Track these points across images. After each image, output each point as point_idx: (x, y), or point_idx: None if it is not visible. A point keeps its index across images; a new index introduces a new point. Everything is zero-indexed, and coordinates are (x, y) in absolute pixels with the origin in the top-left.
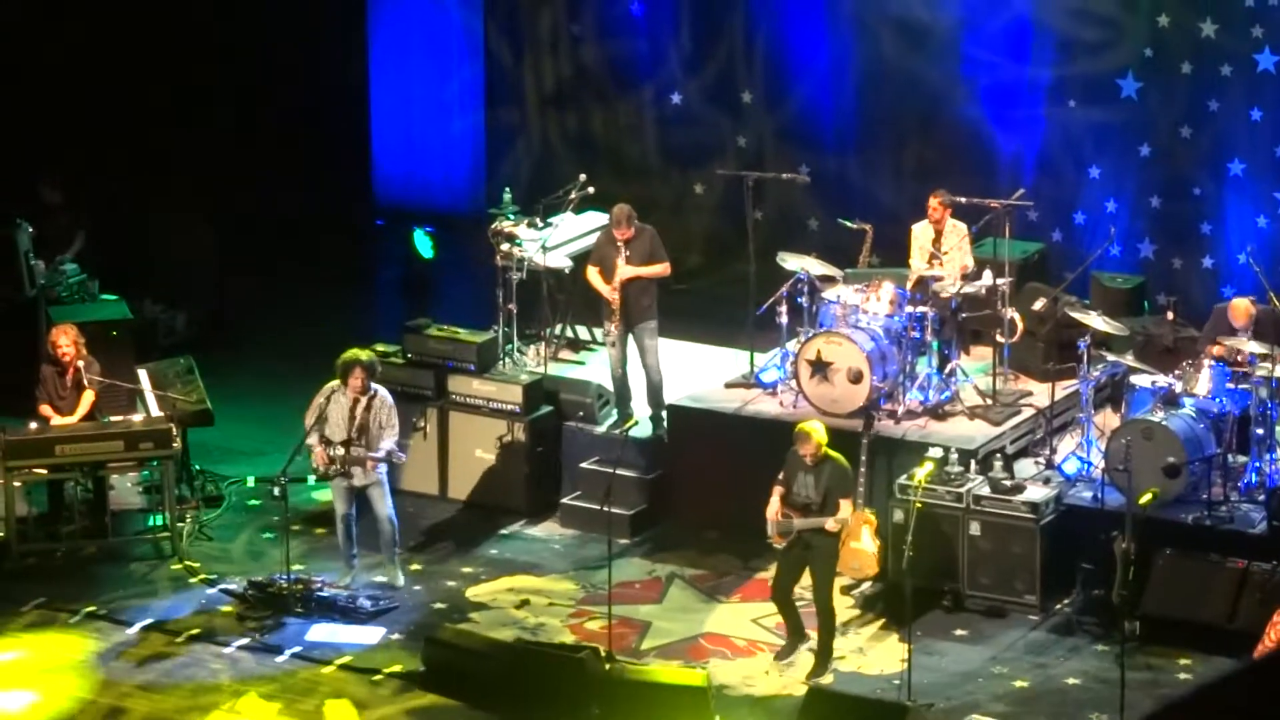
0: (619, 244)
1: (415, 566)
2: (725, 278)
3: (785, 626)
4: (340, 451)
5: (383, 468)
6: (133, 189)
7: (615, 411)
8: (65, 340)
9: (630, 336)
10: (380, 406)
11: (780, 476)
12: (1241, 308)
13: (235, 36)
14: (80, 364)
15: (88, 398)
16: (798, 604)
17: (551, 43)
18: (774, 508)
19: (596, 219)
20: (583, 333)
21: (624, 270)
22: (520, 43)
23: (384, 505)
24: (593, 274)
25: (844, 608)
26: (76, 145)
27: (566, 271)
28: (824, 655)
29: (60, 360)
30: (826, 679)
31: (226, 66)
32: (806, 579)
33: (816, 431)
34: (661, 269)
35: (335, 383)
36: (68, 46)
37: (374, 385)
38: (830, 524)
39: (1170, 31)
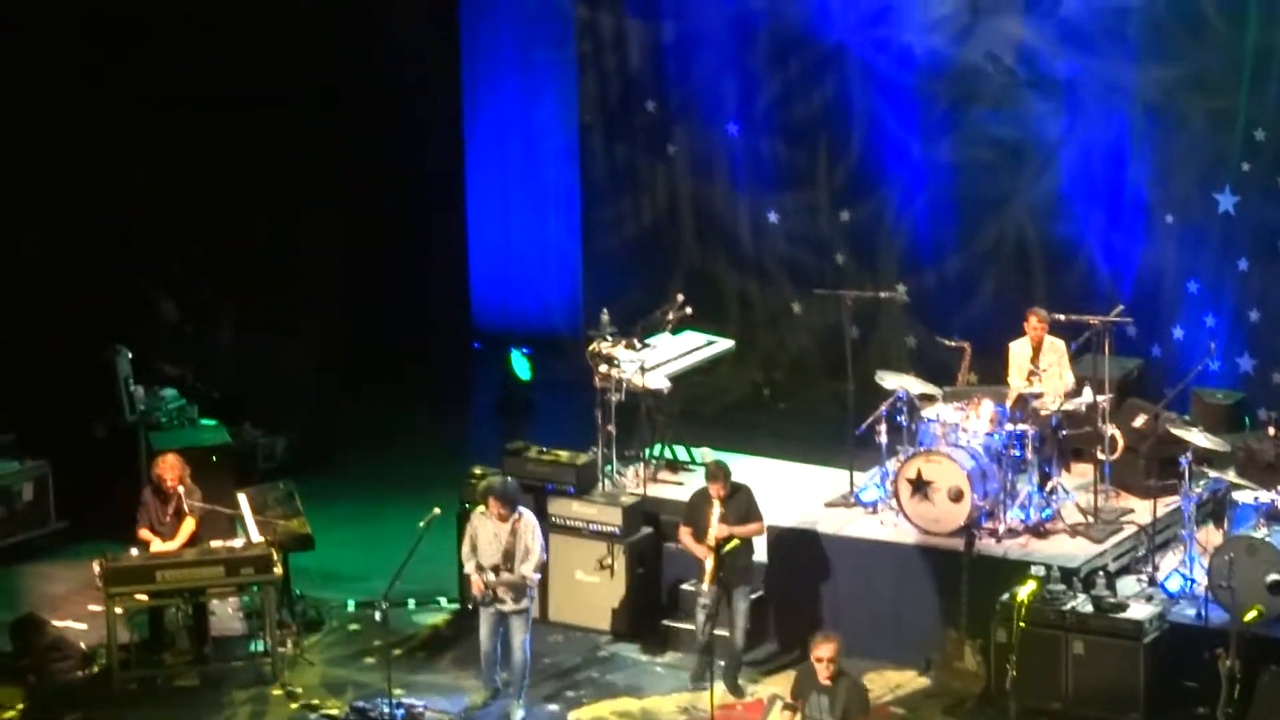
0: (714, 500)
1: None
2: (824, 396)
3: None
4: (492, 577)
5: (530, 598)
6: (230, 313)
7: (694, 670)
8: (171, 475)
9: (728, 599)
10: (524, 530)
11: (790, 696)
12: None
13: (336, 156)
14: (181, 490)
15: (188, 526)
16: None
17: (649, 165)
18: None
19: (694, 339)
20: (681, 453)
21: (718, 529)
22: (617, 164)
23: (520, 635)
24: (684, 535)
25: None
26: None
27: (665, 392)
28: None
29: (164, 490)
30: None
31: (323, 185)
32: None
33: (834, 643)
34: (756, 528)
35: (481, 508)
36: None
37: (519, 508)
38: None
39: (1266, 144)
